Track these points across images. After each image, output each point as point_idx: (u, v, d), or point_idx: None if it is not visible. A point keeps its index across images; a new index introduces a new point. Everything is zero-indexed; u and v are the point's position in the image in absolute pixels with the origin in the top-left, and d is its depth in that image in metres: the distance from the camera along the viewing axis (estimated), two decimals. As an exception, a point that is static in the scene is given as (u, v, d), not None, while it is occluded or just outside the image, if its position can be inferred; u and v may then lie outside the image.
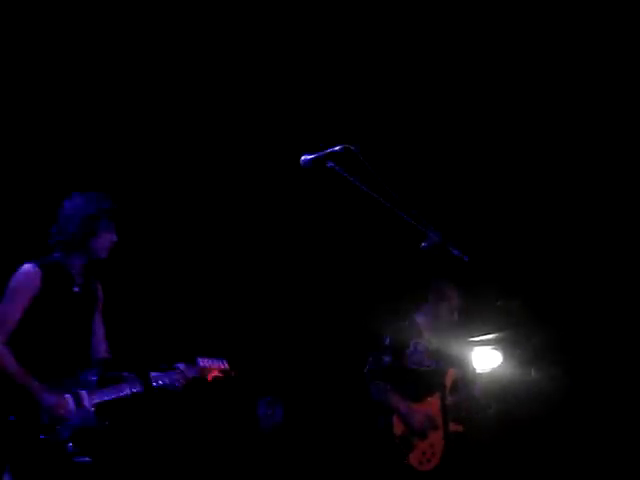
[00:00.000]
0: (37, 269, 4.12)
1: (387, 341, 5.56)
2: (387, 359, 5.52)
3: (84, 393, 4.07)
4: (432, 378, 5.46)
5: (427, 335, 5.58)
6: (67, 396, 4.03)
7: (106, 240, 4.23)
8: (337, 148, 3.77)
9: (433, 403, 5.45)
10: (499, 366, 7.09)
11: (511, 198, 7.18)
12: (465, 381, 5.66)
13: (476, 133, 6.92)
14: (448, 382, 5.52)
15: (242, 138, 6.74)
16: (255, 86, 6.52)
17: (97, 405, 4.08)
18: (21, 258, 4.20)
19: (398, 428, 5.40)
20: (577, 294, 7.31)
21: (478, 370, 6.80)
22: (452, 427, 5.36)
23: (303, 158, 3.82)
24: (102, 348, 4.36)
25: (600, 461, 6.79)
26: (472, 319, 6.23)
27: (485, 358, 7.16)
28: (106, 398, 4.12)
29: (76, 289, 4.24)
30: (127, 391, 4.17)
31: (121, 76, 6.29)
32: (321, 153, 3.79)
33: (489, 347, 7.24)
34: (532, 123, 6.83)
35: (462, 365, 5.72)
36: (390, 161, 6.71)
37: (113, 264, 4.38)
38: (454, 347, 5.64)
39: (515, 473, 6.69)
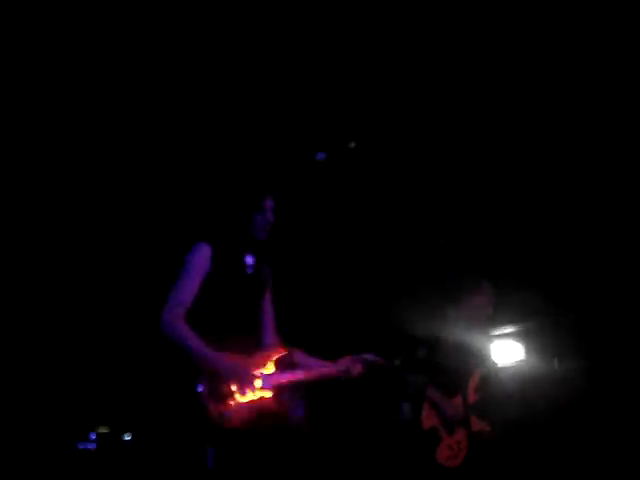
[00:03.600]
0: (209, 249, 4.14)
1: (423, 335, 5.56)
2: (422, 352, 5.52)
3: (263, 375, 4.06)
4: (462, 374, 5.46)
5: (460, 330, 5.58)
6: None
7: (261, 221, 4.22)
8: (352, 144, 3.80)
9: (463, 400, 5.44)
10: (522, 359, 7.06)
11: (528, 189, 7.16)
12: (493, 379, 5.66)
13: (488, 126, 6.91)
14: (475, 379, 5.52)
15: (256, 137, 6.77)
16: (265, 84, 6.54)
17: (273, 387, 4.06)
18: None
19: (427, 420, 5.40)
20: (599, 283, 7.28)
21: (500, 364, 6.80)
22: (478, 425, 5.37)
23: (318, 155, 3.86)
24: (272, 331, 4.36)
25: (626, 454, 6.74)
26: (494, 312, 6.20)
27: (507, 351, 7.12)
28: (282, 380, 4.12)
29: (249, 270, 4.24)
30: (301, 376, 4.19)
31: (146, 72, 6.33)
32: (336, 150, 3.83)
33: (511, 340, 7.20)
34: (539, 117, 6.81)
35: (489, 365, 5.72)
36: (407, 158, 6.75)
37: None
38: (484, 343, 5.64)
39: (540, 470, 6.66)
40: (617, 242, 7.11)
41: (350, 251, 7.13)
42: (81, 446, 6.28)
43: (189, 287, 4.10)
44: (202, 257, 4.14)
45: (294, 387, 4.18)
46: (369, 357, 4.41)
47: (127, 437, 6.34)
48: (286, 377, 4.14)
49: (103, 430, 6.32)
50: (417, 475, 5.33)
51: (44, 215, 6.65)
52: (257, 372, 4.04)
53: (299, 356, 4.35)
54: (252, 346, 4.16)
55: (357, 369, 4.36)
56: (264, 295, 4.34)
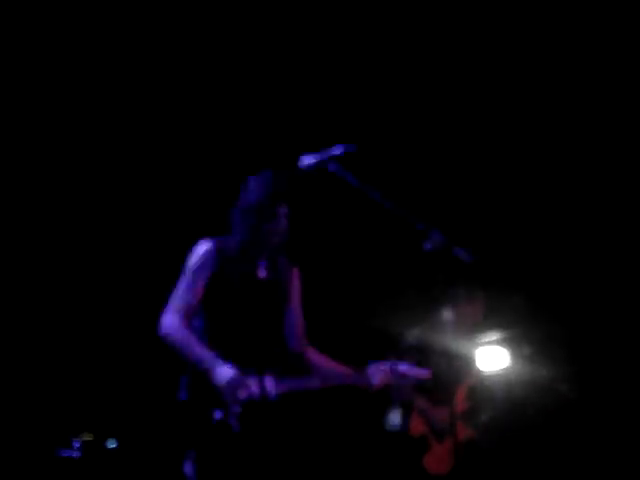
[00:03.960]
0: (212, 247, 3.98)
1: (412, 342, 5.54)
2: (414, 360, 5.51)
3: (269, 379, 3.92)
4: (450, 382, 5.45)
5: (450, 337, 5.57)
6: (252, 379, 3.87)
7: (274, 227, 4.06)
8: (337, 151, 3.77)
9: (449, 410, 5.43)
10: (507, 365, 7.05)
11: (512, 194, 7.17)
12: (483, 387, 5.65)
13: (473, 134, 6.92)
14: (465, 387, 5.51)
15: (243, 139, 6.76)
16: (253, 86, 6.53)
17: (282, 393, 3.94)
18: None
19: (416, 428, 5.39)
20: (584, 288, 7.29)
21: (486, 370, 6.80)
22: (463, 434, 5.36)
23: (304, 161, 3.82)
24: (301, 338, 4.21)
25: (613, 460, 6.75)
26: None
27: (493, 357, 7.11)
28: (294, 387, 3.99)
29: (261, 275, 4.07)
30: (316, 383, 4.06)
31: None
32: (322, 156, 3.79)
33: (496, 346, 7.20)
34: (530, 122, 6.82)
35: (479, 374, 5.72)
36: (389, 161, 6.74)
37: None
38: (472, 351, 5.64)
39: (528, 478, 6.66)
40: (606, 250, 7.13)
41: (337, 256, 7.12)
42: (64, 454, 6.24)
43: (191, 290, 3.94)
44: (204, 257, 3.96)
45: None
46: (402, 368, 4.21)
47: (112, 445, 6.31)
48: (299, 384, 4.01)
49: (87, 438, 6.28)
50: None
51: (41, 209, 6.61)
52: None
53: (321, 361, 4.22)
54: (267, 352, 4.01)
55: (381, 380, 4.16)
56: (284, 302, 4.15)
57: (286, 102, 6.65)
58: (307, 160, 3.77)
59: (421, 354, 5.47)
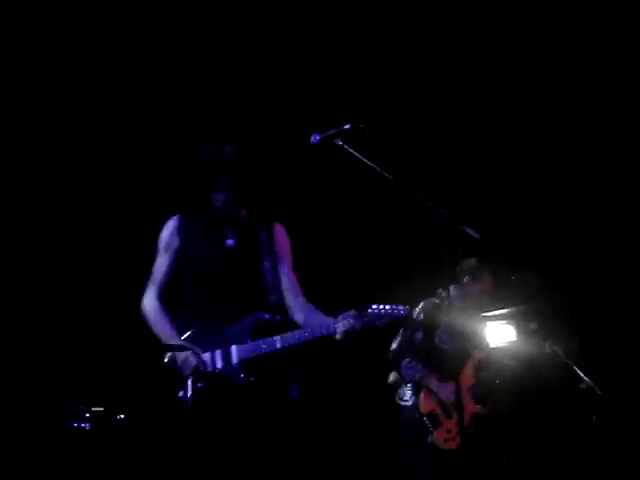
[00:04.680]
0: (175, 221, 4.11)
1: (419, 317, 5.56)
2: (419, 336, 5.53)
3: (234, 349, 3.98)
4: (458, 358, 5.48)
5: (456, 313, 5.59)
6: (207, 355, 3.94)
7: (220, 197, 4.09)
8: (346, 127, 3.80)
9: (455, 384, 5.46)
10: (513, 341, 7.08)
11: (521, 170, 7.17)
12: (490, 362, 5.69)
13: (486, 107, 6.91)
14: (473, 363, 5.54)
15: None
16: (265, 66, 6.53)
17: (242, 361, 3.98)
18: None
19: (425, 405, 5.42)
20: (592, 265, 7.30)
21: (493, 345, 6.83)
22: (474, 409, 5.40)
23: (313, 137, 3.86)
24: (295, 295, 4.20)
25: (619, 435, 6.78)
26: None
27: (499, 333, 7.14)
28: (254, 353, 3.99)
29: (229, 242, 4.11)
30: (278, 345, 4.01)
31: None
32: (330, 131, 3.83)
33: (502, 322, 7.22)
34: (541, 99, 6.81)
35: (486, 349, 5.75)
36: (398, 137, 6.74)
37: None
38: (480, 327, 5.66)
39: (535, 452, 6.70)
40: (614, 225, 7.14)
41: (344, 232, 7.14)
42: (75, 425, 6.28)
43: (161, 268, 4.11)
44: (169, 233, 4.12)
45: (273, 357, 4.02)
46: (373, 310, 4.09)
47: (121, 416, 6.34)
48: (263, 349, 3.99)
49: (97, 409, 6.32)
50: (416, 458, 5.37)
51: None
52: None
53: (304, 314, 4.17)
54: (240, 317, 4.04)
55: (353, 326, 4.03)
56: (258, 265, 4.14)
57: (298, 79, 6.65)
58: (317, 136, 3.81)
59: (428, 330, 5.50)
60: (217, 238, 4.11)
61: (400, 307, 4.11)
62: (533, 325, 7.05)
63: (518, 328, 7.14)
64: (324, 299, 4.30)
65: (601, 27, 6.32)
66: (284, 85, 6.66)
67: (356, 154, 3.82)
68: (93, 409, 6.33)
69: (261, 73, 6.61)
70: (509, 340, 7.14)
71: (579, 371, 6.03)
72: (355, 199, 6.99)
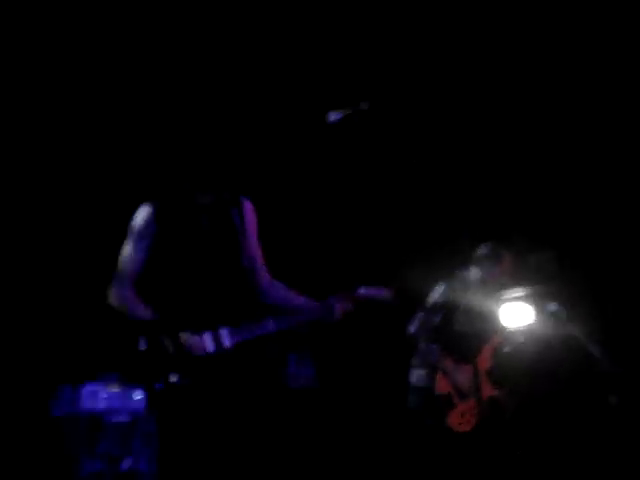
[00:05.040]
0: (150, 208, 3.98)
1: (438, 300, 5.54)
2: (436, 318, 5.51)
3: (225, 332, 3.93)
4: (476, 341, 5.46)
5: (475, 295, 5.56)
6: (205, 335, 3.89)
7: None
8: (363, 105, 3.77)
9: (473, 367, 5.44)
10: (532, 322, 7.04)
11: (542, 149, 7.12)
12: (508, 345, 5.66)
13: (498, 91, 6.86)
14: (491, 346, 5.52)
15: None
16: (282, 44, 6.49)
17: (237, 344, 3.92)
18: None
19: (441, 387, 5.41)
20: (613, 245, 7.26)
21: (511, 327, 6.79)
22: (491, 392, 5.38)
23: (330, 115, 3.83)
24: (263, 275, 4.15)
25: (638, 421, 6.74)
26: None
27: (517, 314, 7.10)
28: (247, 336, 3.95)
29: (204, 226, 4.03)
30: (271, 327, 3.98)
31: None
32: (347, 110, 3.80)
33: (521, 303, 7.18)
34: (564, 81, 6.76)
35: (505, 332, 5.72)
36: (418, 115, 6.70)
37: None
38: (498, 310, 5.63)
39: (552, 436, 6.67)
40: (635, 206, 7.09)
41: (362, 212, 7.12)
42: (90, 407, 6.31)
43: (132, 256, 3.96)
44: (143, 220, 3.97)
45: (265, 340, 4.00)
46: (362, 292, 4.09)
47: (138, 396, 6.34)
48: (255, 331, 3.94)
49: (114, 389, 6.33)
50: (429, 440, 5.37)
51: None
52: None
53: (281, 296, 4.13)
54: (221, 302, 3.98)
55: (342, 309, 4.04)
56: (235, 247, 4.08)
57: (315, 58, 6.61)
58: (334, 115, 3.78)
59: (446, 312, 5.48)
60: (193, 223, 4.02)
61: (386, 290, 4.13)
62: (552, 306, 7.01)
63: (537, 309, 7.09)
64: (343, 281, 4.26)
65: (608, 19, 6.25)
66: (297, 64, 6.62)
67: (376, 135, 3.78)
68: (109, 389, 6.35)
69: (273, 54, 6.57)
70: (527, 321, 7.11)
71: (598, 352, 5.98)
72: (373, 179, 6.95)
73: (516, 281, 5.99)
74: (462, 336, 5.44)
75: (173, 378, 3.83)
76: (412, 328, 5.52)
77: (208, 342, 3.89)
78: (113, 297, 3.96)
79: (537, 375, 6.10)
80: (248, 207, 4.17)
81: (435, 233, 6.74)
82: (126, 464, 6.11)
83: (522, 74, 6.80)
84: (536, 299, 7.14)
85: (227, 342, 3.90)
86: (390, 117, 3.81)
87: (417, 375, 5.52)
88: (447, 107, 6.98)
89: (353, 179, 7.02)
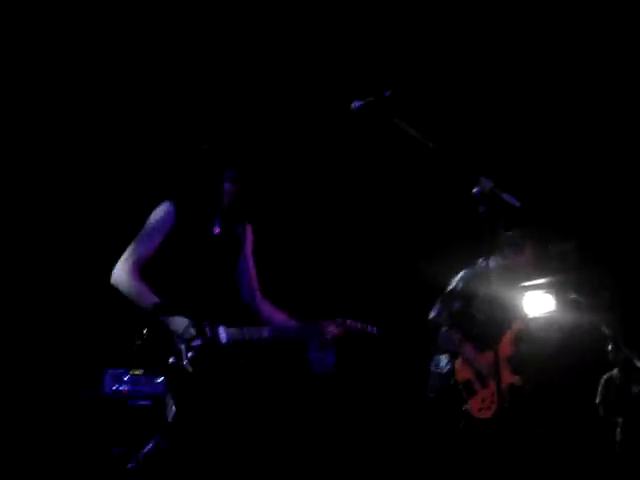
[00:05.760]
0: (172, 206, 4.14)
1: (459, 287, 5.54)
2: (457, 305, 5.51)
3: (222, 328, 4.07)
4: (497, 328, 5.45)
5: (497, 284, 5.55)
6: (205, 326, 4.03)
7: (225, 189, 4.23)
8: (386, 93, 3.78)
9: (494, 354, 5.44)
10: (552, 311, 7.05)
11: (563, 139, 7.08)
12: (530, 333, 5.66)
13: (528, 74, 6.82)
14: (512, 333, 5.52)
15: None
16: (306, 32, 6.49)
17: (234, 342, 4.08)
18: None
19: (461, 373, 5.42)
20: (632, 235, 7.23)
21: (531, 314, 6.80)
22: (511, 379, 5.39)
23: (353, 103, 3.85)
24: (253, 290, 4.36)
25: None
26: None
27: (538, 302, 7.11)
28: (242, 337, 4.10)
29: (216, 231, 4.24)
30: (266, 333, 4.15)
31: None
32: (370, 98, 3.81)
33: (542, 291, 7.19)
34: (586, 66, 6.72)
35: (526, 320, 5.72)
36: (440, 106, 6.69)
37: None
38: (521, 297, 5.63)
39: (570, 423, 6.68)
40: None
41: (384, 201, 7.12)
42: (114, 389, 6.36)
43: (146, 242, 4.11)
44: (163, 214, 4.14)
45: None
46: (350, 323, 4.34)
47: (159, 380, 6.39)
48: (250, 334, 4.12)
49: (137, 372, 6.38)
50: (449, 426, 5.38)
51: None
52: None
53: (271, 314, 4.34)
54: (221, 303, 4.16)
55: (333, 334, 4.28)
56: (237, 256, 4.32)
57: (339, 46, 6.61)
58: (357, 103, 3.81)
59: (467, 299, 5.48)
60: (207, 227, 4.22)
61: (372, 327, 4.38)
62: (573, 295, 7.01)
63: (557, 298, 7.10)
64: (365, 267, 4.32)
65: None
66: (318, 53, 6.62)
67: (396, 121, 3.79)
68: (132, 372, 6.41)
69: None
70: (548, 310, 7.12)
71: (618, 341, 5.97)
72: (396, 167, 6.95)
73: (538, 270, 5.99)
74: (483, 323, 5.43)
75: (172, 360, 3.94)
76: (433, 314, 5.53)
77: (207, 333, 4.02)
78: (118, 275, 4.07)
79: (557, 363, 6.10)
80: (249, 229, 4.41)
81: (457, 221, 6.74)
82: (148, 447, 6.18)
83: (547, 63, 6.76)
84: (557, 288, 7.16)
85: (224, 338, 4.04)
86: (410, 104, 3.83)
87: (437, 361, 5.53)
88: (470, 93, 6.96)
89: (375, 168, 7.02)
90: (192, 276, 4.12)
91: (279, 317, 4.33)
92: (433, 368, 5.55)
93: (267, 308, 4.37)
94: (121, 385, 6.42)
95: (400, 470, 6.61)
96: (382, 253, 7.10)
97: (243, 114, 6.49)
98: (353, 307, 7.04)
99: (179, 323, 3.95)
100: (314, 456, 6.36)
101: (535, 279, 6.74)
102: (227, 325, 4.08)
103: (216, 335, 4.04)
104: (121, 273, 4.06)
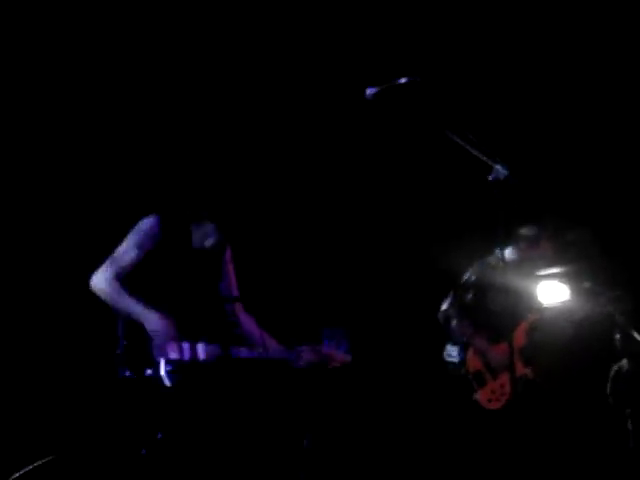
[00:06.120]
0: (159, 218, 4.19)
1: (472, 278, 5.53)
2: (470, 297, 5.51)
3: (201, 345, 4.06)
4: (511, 319, 5.44)
5: (511, 274, 5.53)
6: (184, 343, 4.04)
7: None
8: (402, 80, 3.75)
9: (508, 345, 5.43)
10: (567, 300, 7.00)
11: (579, 127, 7.04)
12: (544, 324, 5.64)
13: (543, 63, 6.78)
14: (526, 324, 5.50)
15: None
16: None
17: (213, 358, 4.09)
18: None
19: (472, 364, 5.43)
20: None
21: (545, 305, 6.76)
22: (523, 370, 5.37)
23: (368, 90, 3.83)
24: (232, 302, 4.44)
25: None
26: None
27: (552, 292, 7.06)
28: (221, 354, 4.12)
29: (201, 245, 4.31)
30: (243, 354, 4.19)
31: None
32: (385, 85, 3.79)
33: (556, 280, 7.14)
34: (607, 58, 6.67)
35: (541, 310, 5.70)
36: (456, 93, 6.64)
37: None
38: (535, 289, 5.61)
39: (583, 416, 6.63)
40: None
41: (398, 190, 7.09)
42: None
43: (128, 253, 4.13)
44: (148, 228, 4.18)
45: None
46: (328, 350, 4.38)
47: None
48: (230, 353, 4.13)
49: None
50: (459, 416, 5.38)
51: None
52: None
53: (251, 330, 4.40)
54: (205, 318, 4.19)
55: (308, 360, 4.33)
56: (219, 271, 4.37)
57: (353, 33, 6.58)
58: (372, 90, 3.79)
59: (479, 291, 5.47)
60: (192, 242, 4.27)
61: (347, 355, 4.43)
62: (587, 284, 6.96)
63: (572, 287, 7.05)
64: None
65: None
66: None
67: (414, 110, 3.76)
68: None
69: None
70: (562, 299, 7.07)
71: (630, 331, 5.95)
72: (410, 155, 6.92)
73: (555, 262, 5.95)
74: (497, 314, 5.42)
75: (148, 372, 4.04)
76: (445, 306, 5.53)
77: (185, 350, 4.02)
78: (97, 279, 4.11)
79: (572, 354, 6.05)
80: (228, 246, 4.48)
81: (471, 211, 6.71)
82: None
83: (562, 57, 6.72)
84: (572, 277, 7.10)
85: (202, 355, 4.03)
86: (428, 92, 3.80)
87: (449, 351, 5.53)
88: (482, 83, 6.92)
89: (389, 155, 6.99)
90: (174, 290, 4.15)
91: (258, 335, 4.35)
92: (445, 358, 5.55)
93: (247, 322, 4.42)
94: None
95: (410, 458, 6.60)
96: (396, 244, 7.06)
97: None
98: (365, 299, 7.07)
99: (157, 319, 3.99)
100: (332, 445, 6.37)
101: (549, 268, 6.69)
102: (208, 340, 4.08)
103: (195, 351, 4.03)
104: (106, 284, 4.09)
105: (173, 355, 3.92)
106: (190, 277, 4.17)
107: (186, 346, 3.96)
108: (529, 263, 5.59)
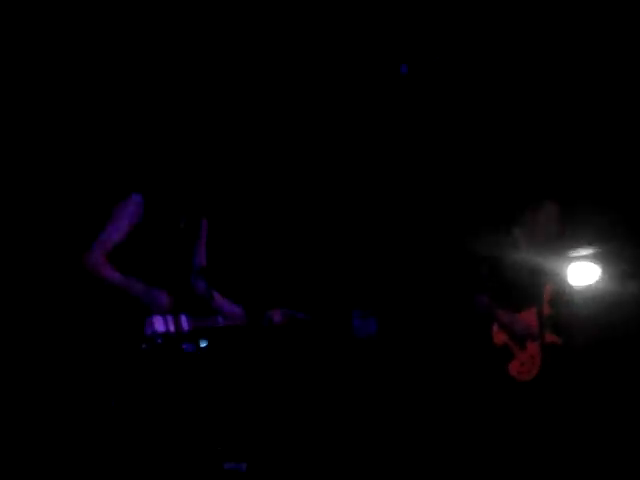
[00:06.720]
0: (141, 198, 4.27)
1: (486, 253, 5.57)
2: (484, 269, 5.53)
3: (184, 317, 4.24)
4: (530, 291, 5.47)
5: (525, 249, 5.58)
6: (168, 317, 4.19)
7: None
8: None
9: (531, 315, 5.46)
10: (597, 281, 7.01)
11: (604, 112, 7.00)
12: (563, 297, 5.67)
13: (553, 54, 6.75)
14: (547, 295, 5.53)
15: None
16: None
17: (195, 328, 4.26)
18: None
19: (498, 338, 5.44)
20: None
21: (576, 285, 6.78)
22: (549, 338, 5.40)
23: (402, 67, 3.89)
24: (199, 275, 4.53)
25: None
26: (570, 233, 6.16)
27: (583, 272, 7.08)
28: (202, 325, 4.30)
29: (181, 224, 4.40)
30: (220, 322, 4.40)
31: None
32: (418, 63, 3.84)
33: (587, 261, 7.15)
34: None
35: (559, 281, 5.72)
36: (466, 78, 6.64)
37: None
38: (551, 263, 5.62)
39: (612, 384, 6.66)
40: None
41: (409, 173, 7.10)
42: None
43: (111, 231, 4.22)
44: (131, 205, 4.26)
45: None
46: (293, 313, 4.60)
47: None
48: (207, 322, 4.32)
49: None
50: (490, 389, 5.40)
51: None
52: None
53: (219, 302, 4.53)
54: (183, 293, 4.31)
55: (279, 321, 4.53)
56: (194, 247, 4.48)
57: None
58: (404, 67, 3.83)
59: (494, 266, 5.49)
60: (173, 221, 4.37)
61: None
62: (622, 265, 6.97)
63: (602, 268, 7.06)
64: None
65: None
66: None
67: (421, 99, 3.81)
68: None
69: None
70: (593, 280, 7.08)
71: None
72: (419, 141, 6.92)
73: (571, 240, 5.96)
74: (514, 285, 5.45)
75: (144, 346, 4.13)
76: (461, 280, 5.56)
77: (170, 323, 4.19)
78: (89, 259, 4.19)
79: (596, 327, 6.08)
80: (204, 222, 4.59)
81: (484, 190, 6.74)
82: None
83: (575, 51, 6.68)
84: (601, 258, 7.11)
85: (185, 326, 4.21)
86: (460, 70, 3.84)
87: (470, 327, 5.56)
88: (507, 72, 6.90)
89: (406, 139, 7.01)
90: (154, 267, 4.26)
91: (225, 304, 4.53)
92: (467, 334, 5.58)
93: (214, 296, 4.52)
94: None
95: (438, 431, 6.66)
96: (423, 220, 7.09)
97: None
98: (382, 281, 7.13)
99: (159, 297, 4.13)
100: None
101: (578, 249, 6.71)
102: (187, 314, 4.25)
103: (179, 324, 4.20)
104: (97, 263, 4.17)
105: (161, 328, 4.12)
106: (168, 255, 4.31)
107: (170, 318, 4.16)
108: (541, 231, 5.59)
